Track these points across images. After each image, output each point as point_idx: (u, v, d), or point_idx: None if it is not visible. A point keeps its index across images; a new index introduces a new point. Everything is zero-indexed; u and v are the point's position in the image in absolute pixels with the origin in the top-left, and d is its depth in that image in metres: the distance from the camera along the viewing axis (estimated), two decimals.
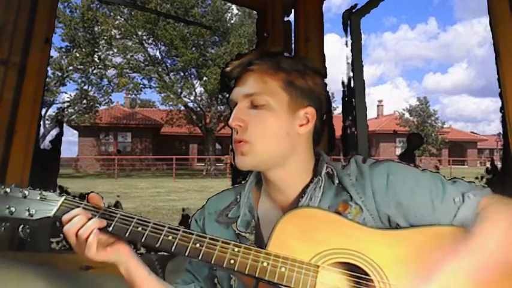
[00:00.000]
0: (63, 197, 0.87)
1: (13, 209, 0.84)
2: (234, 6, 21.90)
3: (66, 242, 0.86)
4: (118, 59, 22.69)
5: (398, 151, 27.53)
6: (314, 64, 0.96)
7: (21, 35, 2.09)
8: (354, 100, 2.87)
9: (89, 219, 0.83)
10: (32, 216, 0.84)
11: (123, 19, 21.83)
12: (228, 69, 0.93)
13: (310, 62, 0.95)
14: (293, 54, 2.66)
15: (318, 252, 0.80)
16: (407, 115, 30.09)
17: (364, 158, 0.95)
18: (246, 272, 0.79)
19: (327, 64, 2.64)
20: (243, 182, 1.03)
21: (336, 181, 0.92)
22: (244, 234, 0.94)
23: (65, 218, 0.84)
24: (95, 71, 22.17)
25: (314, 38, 2.59)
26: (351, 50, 2.84)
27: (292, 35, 2.72)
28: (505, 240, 0.80)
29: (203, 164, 24.09)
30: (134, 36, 22.02)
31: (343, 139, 2.91)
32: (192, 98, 23.65)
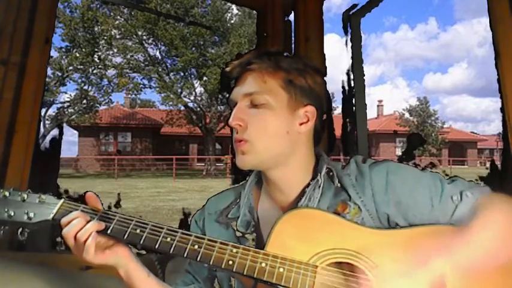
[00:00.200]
0: (62, 200, 0.87)
1: (12, 213, 0.84)
2: (234, 6, 21.92)
3: (65, 244, 0.86)
4: (118, 59, 22.73)
5: (399, 151, 27.54)
6: (314, 64, 0.96)
7: (21, 35, 2.09)
8: (354, 100, 2.87)
9: (88, 221, 0.83)
10: (30, 219, 0.84)
11: (123, 19, 21.83)
12: (227, 69, 0.93)
13: (309, 61, 0.95)
14: (293, 54, 2.66)
15: (316, 252, 0.80)
16: (407, 115, 30.11)
17: (364, 158, 0.95)
18: (245, 273, 0.79)
19: (327, 64, 2.64)
20: (242, 182, 1.03)
21: (336, 181, 0.92)
22: (244, 235, 0.93)
23: (63, 220, 0.84)
24: (95, 71, 22.18)
25: (314, 38, 2.59)
26: (351, 50, 2.84)
27: (292, 35, 2.72)
28: (502, 237, 0.80)
29: (203, 164, 24.09)
30: (134, 36, 22.02)
31: (343, 139, 2.91)
32: (192, 98, 23.67)
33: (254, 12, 3.86)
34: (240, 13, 22.94)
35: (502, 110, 1.74)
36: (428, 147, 26.66)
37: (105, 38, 21.43)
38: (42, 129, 17.42)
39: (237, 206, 0.98)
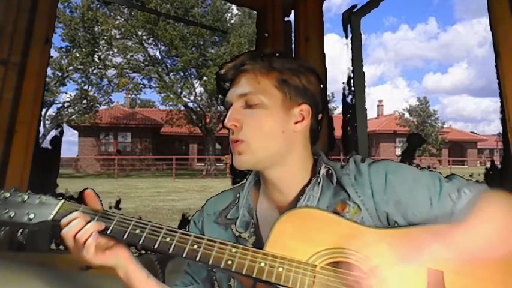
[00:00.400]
0: (62, 201, 0.88)
1: (12, 214, 0.85)
2: (234, 6, 21.92)
3: (64, 245, 0.86)
4: (118, 59, 22.73)
5: (399, 151, 27.54)
6: (314, 64, 0.97)
7: (21, 35, 2.09)
8: (354, 100, 2.87)
9: (87, 222, 0.84)
10: (31, 220, 0.85)
11: (123, 19, 21.83)
12: (222, 71, 0.95)
13: (305, 61, 0.96)
14: (293, 54, 2.67)
15: (316, 252, 0.81)
16: (407, 115, 30.10)
17: (362, 157, 0.95)
18: (244, 273, 0.79)
19: (327, 64, 2.64)
20: (241, 183, 1.03)
21: (335, 181, 0.92)
22: (243, 235, 0.94)
23: (63, 221, 0.84)
24: (95, 71, 22.18)
25: (314, 38, 2.59)
26: (351, 50, 2.85)
27: (292, 35, 2.73)
28: (499, 231, 0.81)
29: (203, 164, 24.09)
30: (134, 36, 22.02)
31: (343, 139, 2.91)
32: (192, 98, 23.68)
33: (254, 12, 3.86)
34: (240, 13, 22.95)
35: (502, 110, 1.74)
36: (428, 147, 26.66)
37: (105, 38, 21.43)
38: (42, 129, 17.42)
39: (236, 206, 0.98)
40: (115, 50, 22.31)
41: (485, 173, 2.76)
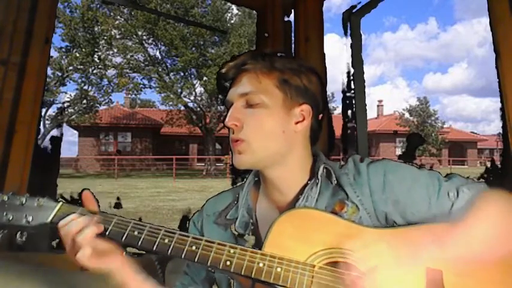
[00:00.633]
0: (60, 203, 0.88)
1: (11, 217, 0.85)
2: (234, 6, 21.92)
3: (63, 247, 0.87)
4: (118, 59, 22.74)
5: (399, 151, 27.54)
6: (314, 64, 0.97)
7: (21, 35, 2.09)
8: (354, 100, 2.87)
9: (86, 224, 0.83)
10: (29, 223, 0.85)
11: (123, 19, 21.84)
12: (223, 70, 0.95)
13: (306, 61, 0.96)
14: (293, 54, 2.66)
15: (314, 252, 0.81)
16: (407, 115, 30.08)
17: (361, 157, 0.95)
18: (242, 273, 0.79)
19: (327, 64, 2.64)
20: (241, 183, 1.03)
21: (334, 181, 0.92)
22: (243, 236, 0.93)
23: (61, 223, 0.84)
24: (95, 71, 22.18)
25: (314, 38, 2.59)
26: (351, 50, 2.85)
27: (292, 35, 2.72)
28: (498, 230, 0.81)
29: (203, 164, 24.10)
30: (134, 36, 22.03)
31: (343, 139, 2.91)
32: (192, 98, 23.68)
33: (254, 12, 3.86)
34: (240, 13, 22.95)
35: (502, 110, 1.74)
36: (428, 147, 26.65)
37: (105, 38, 21.44)
38: (42, 129, 17.40)
39: (236, 207, 0.98)
40: (115, 50, 22.33)
41: (485, 173, 2.76)
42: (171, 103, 23.64)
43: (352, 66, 2.85)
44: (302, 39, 2.60)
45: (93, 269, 0.84)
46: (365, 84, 2.90)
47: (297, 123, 0.92)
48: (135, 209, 9.16)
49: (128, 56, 22.43)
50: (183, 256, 0.81)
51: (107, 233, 0.85)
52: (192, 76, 23.33)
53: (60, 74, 21.09)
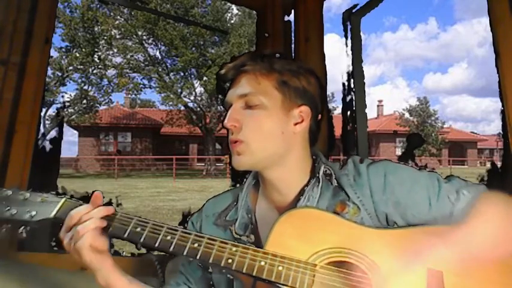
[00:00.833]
0: (64, 199, 0.88)
1: (14, 211, 0.86)
2: (234, 6, 21.93)
3: (59, 243, 0.87)
4: (118, 59, 22.75)
5: (399, 151, 27.54)
6: (314, 64, 0.97)
7: (21, 35, 2.09)
8: (354, 100, 2.87)
9: (90, 216, 0.84)
10: (32, 217, 0.85)
11: (123, 19, 21.84)
12: (222, 71, 0.95)
13: (305, 63, 0.96)
14: (293, 54, 2.66)
15: (315, 251, 0.81)
16: (407, 115, 30.10)
17: (361, 158, 0.95)
18: (244, 271, 0.79)
19: (327, 64, 2.64)
20: (239, 185, 1.03)
21: (334, 181, 0.93)
22: (242, 237, 0.93)
23: (71, 212, 0.84)
24: (95, 71, 22.19)
25: (314, 38, 2.59)
26: (351, 50, 2.85)
27: (292, 35, 2.72)
28: (497, 235, 0.81)
29: (203, 164, 24.10)
30: (134, 36, 22.03)
31: (343, 139, 2.91)
32: (192, 98, 23.68)
33: (254, 12, 3.85)
34: (240, 13, 22.95)
35: (502, 110, 1.74)
36: (428, 147, 26.66)
37: (105, 38, 21.44)
38: (42, 129, 17.39)
39: (235, 208, 0.98)
40: (115, 50, 22.34)
41: (485, 174, 2.76)
42: (171, 103, 23.65)
43: (352, 66, 2.85)
44: (302, 39, 2.60)
45: (82, 262, 0.84)
46: (365, 84, 2.90)
47: (295, 124, 0.92)
48: (135, 209, 9.16)
49: (128, 56, 22.44)
50: (185, 253, 0.81)
51: (110, 228, 0.85)
52: (192, 76, 23.35)
53: (60, 74, 21.10)
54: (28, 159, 2.10)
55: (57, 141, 2.88)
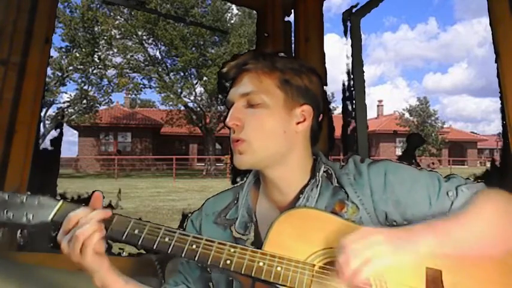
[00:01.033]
0: (61, 202, 0.88)
1: (11, 215, 0.86)
2: (234, 6, 21.93)
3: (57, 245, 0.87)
4: (118, 59, 22.75)
5: (399, 151, 27.55)
6: (314, 64, 0.97)
7: (21, 35, 2.09)
8: (354, 100, 2.87)
9: (90, 218, 0.84)
10: (29, 221, 0.86)
11: (123, 19, 21.84)
12: (224, 70, 0.94)
13: (306, 62, 0.96)
14: (293, 54, 2.66)
15: (314, 251, 0.81)
16: (407, 115, 30.11)
17: (362, 157, 0.95)
18: (242, 272, 0.79)
19: (327, 64, 2.64)
20: (241, 183, 1.03)
21: (334, 181, 0.92)
22: (242, 236, 0.93)
23: (70, 215, 0.84)
24: (95, 71, 22.19)
25: (314, 38, 2.59)
26: (351, 50, 2.85)
27: (292, 35, 2.72)
28: (495, 232, 0.81)
29: (203, 164, 24.10)
30: (134, 36, 22.03)
31: (343, 139, 2.91)
32: (192, 98, 23.69)
33: (254, 12, 3.85)
34: (240, 13, 22.95)
35: (502, 110, 1.74)
36: (428, 147, 26.67)
37: (105, 38, 21.44)
38: (42, 129, 17.41)
39: (235, 207, 0.98)
40: (115, 50, 22.34)
41: (485, 174, 2.76)
42: (171, 103, 23.66)
43: (352, 66, 2.85)
44: (302, 39, 2.60)
45: (82, 264, 0.84)
46: (365, 84, 2.90)
47: (298, 123, 0.92)
48: (135, 209, 9.16)
49: (128, 56, 22.44)
50: (183, 255, 0.82)
51: (108, 231, 0.85)
52: (192, 76, 23.35)
53: (60, 74, 21.10)
54: (28, 159, 2.10)
55: (57, 141, 2.88)
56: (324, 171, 0.94)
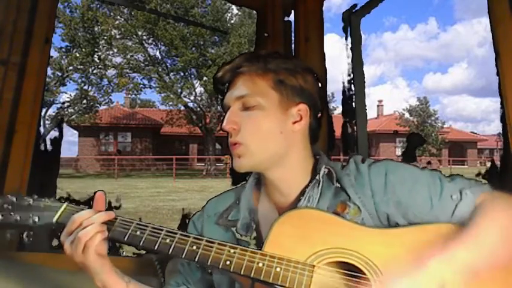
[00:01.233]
0: (65, 204, 0.90)
1: (18, 217, 0.89)
2: (234, 6, 21.91)
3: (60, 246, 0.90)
4: (118, 59, 22.76)
5: (399, 151, 27.55)
6: (314, 64, 0.97)
7: (21, 35, 2.09)
8: (354, 100, 2.87)
9: (93, 221, 0.86)
10: (35, 223, 0.89)
11: (123, 19, 21.85)
12: (219, 74, 0.95)
13: (302, 61, 0.96)
14: (293, 54, 2.66)
15: (314, 252, 0.81)
16: (407, 115, 30.11)
17: (363, 158, 0.95)
18: (242, 273, 0.79)
19: (327, 64, 2.64)
20: (242, 183, 1.03)
21: (335, 181, 0.92)
22: (244, 237, 0.93)
23: (74, 216, 0.86)
24: (95, 71, 22.21)
25: (314, 38, 2.58)
26: (351, 50, 2.84)
27: (292, 35, 2.72)
28: (504, 236, 0.80)
29: (203, 164, 24.10)
30: (134, 36, 22.03)
31: (343, 139, 2.91)
32: (192, 98, 23.70)
33: (254, 12, 3.85)
34: (240, 13, 22.95)
35: (502, 110, 1.74)
36: (428, 147, 26.67)
37: (105, 38, 21.45)
38: (42, 129, 17.40)
39: (237, 208, 0.98)
40: (115, 50, 22.35)
41: (485, 173, 2.76)
42: (171, 103, 23.67)
43: (352, 66, 2.85)
44: (302, 39, 2.59)
45: (84, 263, 0.86)
46: (365, 84, 2.90)
47: (294, 123, 0.91)
48: (135, 209, 9.16)
49: (128, 56, 22.45)
50: (183, 256, 0.82)
51: (110, 233, 0.86)
52: (192, 76, 23.36)
53: (60, 74, 21.11)
54: (28, 159, 2.10)
55: (57, 141, 2.88)
56: (324, 172, 0.94)
